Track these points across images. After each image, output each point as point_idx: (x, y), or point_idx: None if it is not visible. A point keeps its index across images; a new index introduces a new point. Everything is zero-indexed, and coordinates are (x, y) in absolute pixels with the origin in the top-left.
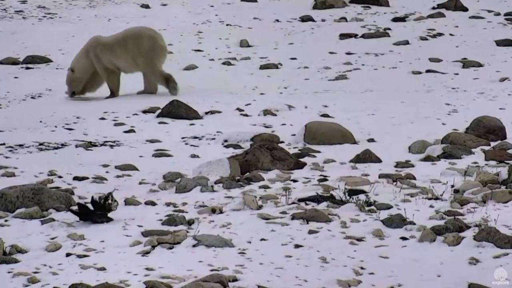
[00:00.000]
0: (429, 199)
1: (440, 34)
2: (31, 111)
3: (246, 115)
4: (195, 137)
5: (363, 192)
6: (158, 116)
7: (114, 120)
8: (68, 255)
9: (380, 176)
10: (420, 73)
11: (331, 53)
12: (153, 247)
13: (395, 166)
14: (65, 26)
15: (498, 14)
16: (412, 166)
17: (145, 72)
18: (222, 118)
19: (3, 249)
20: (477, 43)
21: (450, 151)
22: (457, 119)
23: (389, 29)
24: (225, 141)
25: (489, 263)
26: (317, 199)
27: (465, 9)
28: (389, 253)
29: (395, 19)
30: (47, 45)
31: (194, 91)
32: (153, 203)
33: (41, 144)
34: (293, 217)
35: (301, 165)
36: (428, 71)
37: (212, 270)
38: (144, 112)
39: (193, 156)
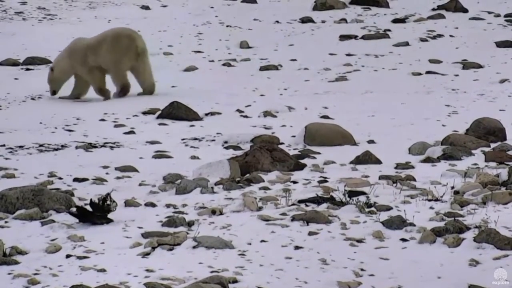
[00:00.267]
0: (429, 200)
1: (440, 36)
2: (31, 113)
3: (246, 116)
4: (195, 139)
5: (363, 193)
6: (158, 118)
7: (114, 122)
8: (68, 256)
9: (380, 177)
10: (420, 74)
11: (331, 54)
12: (153, 248)
13: (395, 168)
14: (65, 27)
15: (498, 15)
16: (412, 167)
17: (108, 70)
18: (222, 119)
19: (3, 251)
20: (477, 44)
21: (450, 153)
22: (457, 121)
23: (389, 30)
24: (225, 142)
25: (489, 265)
26: (317, 200)
27: (465, 11)
28: (389, 255)
29: (395, 21)
30: (47, 46)
31: (194, 93)
32: (153, 205)
33: (41, 145)
34: (293, 219)
35: (301, 167)
36: (428, 72)
37: (212, 272)
38: (144, 113)
39: (193, 157)
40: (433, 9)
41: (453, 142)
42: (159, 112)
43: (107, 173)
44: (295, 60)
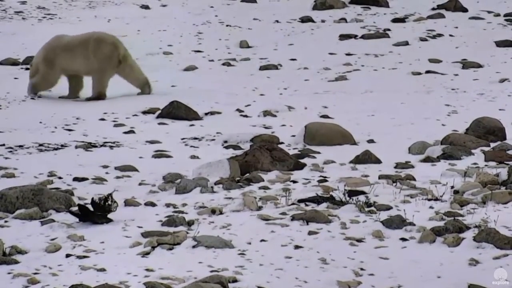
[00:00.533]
0: (429, 200)
1: (439, 35)
2: (31, 112)
3: (246, 116)
4: (195, 138)
5: (363, 193)
6: (158, 117)
7: (114, 121)
8: (68, 256)
9: (380, 177)
10: (420, 74)
11: (331, 54)
12: (153, 248)
13: (395, 167)
14: (65, 26)
15: (498, 15)
16: (412, 167)
17: (92, 75)
18: (222, 119)
19: (3, 250)
20: (477, 44)
21: (450, 152)
22: (457, 120)
23: (389, 30)
24: (225, 142)
25: (489, 264)
26: (317, 200)
27: (464, 10)
28: (389, 254)
29: (395, 20)
30: None
31: (194, 92)
32: (153, 204)
33: (41, 145)
34: (293, 218)
35: (301, 166)
36: (428, 72)
37: (212, 271)
38: (144, 113)
39: (193, 157)
40: (433, 9)
41: (453, 141)
42: (159, 112)
43: (107, 173)
44: (295, 59)
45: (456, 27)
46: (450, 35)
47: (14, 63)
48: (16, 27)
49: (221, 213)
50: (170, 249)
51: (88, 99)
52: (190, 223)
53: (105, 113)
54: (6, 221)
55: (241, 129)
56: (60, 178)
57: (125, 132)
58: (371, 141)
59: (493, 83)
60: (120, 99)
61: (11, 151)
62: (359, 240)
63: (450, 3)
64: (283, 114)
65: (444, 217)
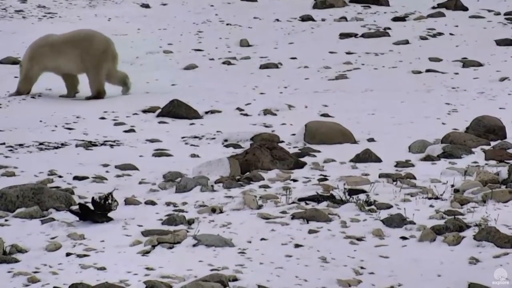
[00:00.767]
0: (429, 198)
1: (440, 34)
2: (31, 111)
3: (246, 114)
4: (195, 137)
5: (363, 191)
6: (158, 116)
7: (114, 120)
8: (68, 254)
9: (380, 175)
10: (420, 72)
11: (331, 52)
12: (153, 246)
13: (395, 166)
14: (65, 25)
15: (498, 13)
16: (412, 165)
17: (87, 74)
18: (222, 117)
19: (3, 249)
20: (477, 42)
21: (450, 151)
22: (457, 119)
23: (389, 28)
24: (225, 140)
25: (489, 263)
26: (317, 198)
27: (465, 9)
28: (389, 253)
29: (395, 19)
30: None
31: (194, 91)
32: (153, 203)
33: (41, 143)
34: (293, 217)
35: (301, 165)
36: (428, 70)
37: (212, 270)
38: (144, 111)
39: (193, 155)
40: (433, 7)
41: (453, 140)
42: (159, 110)
43: (107, 172)
44: (295, 58)
45: (457, 26)
46: (451, 34)
47: (14, 62)
48: (16, 26)
49: (221, 211)
50: (170, 247)
51: (88, 98)
52: (190, 222)
53: (105, 111)
54: (6, 220)
55: (241, 127)
56: (60, 177)
57: (125, 131)
58: (371, 139)
59: (493, 82)
60: (120, 98)
61: (11, 150)
62: (359, 239)
63: (450, 2)
64: (283, 112)
65: (444, 216)
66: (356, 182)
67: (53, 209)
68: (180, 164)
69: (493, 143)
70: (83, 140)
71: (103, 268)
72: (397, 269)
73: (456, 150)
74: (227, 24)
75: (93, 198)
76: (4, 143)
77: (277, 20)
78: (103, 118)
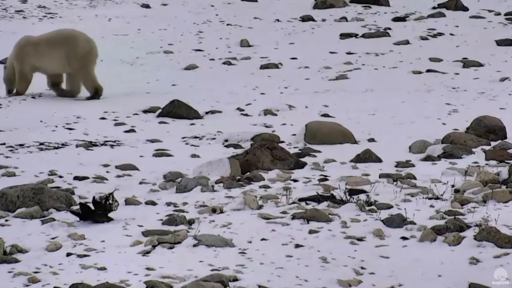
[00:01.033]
0: (430, 199)
1: (440, 34)
2: (32, 111)
3: (246, 115)
4: (196, 137)
5: (363, 192)
6: (158, 116)
7: (115, 120)
8: (68, 255)
9: (381, 176)
10: (420, 72)
11: (332, 52)
12: (154, 247)
13: (396, 166)
14: (65, 26)
15: (498, 14)
16: (413, 166)
17: (77, 75)
18: (223, 118)
19: (4, 249)
20: (478, 43)
21: (451, 151)
22: (457, 119)
23: (390, 28)
24: (226, 140)
25: (490, 263)
26: (317, 199)
27: (465, 9)
28: (390, 253)
29: (396, 19)
30: None
31: (195, 91)
32: (153, 203)
33: (41, 144)
34: (294, 217)
35: (302, 165)
36: (428, 70)
37: (212, 270)
38: (145, 112)
39: (194, 156)
40: (434, 8)
41: (454, 140)
42: (159, 111)
43: (107, 172)
44: (295, 58)
45: (457, 26)
46: (451, 34)
47: None
48: (16, 26)
49: (221, 212)
50: (171, 248)
51: (89, 98)
52: (190, 222)
53: (105, 112)
54: (6, 220)
55: (242, 128)
56: (60, 177)
57: (125, 131)
58: (371, 140)
59: (493, 82)
60: (121, 98)
61: (11, 150)
62: (360, 239)
63: (450, 2)
64: (283, 113)
65: (444, 216)
66: (357, 182)
67: (53, 209)
68: (181, 164)
69: (493, 143)
70: (83, 140)
71: (103, 268)
72: (397, 269)
73: (456, 150)
74: (228, 25)
75: (93, 198)
76: (4, 143)
77: (278, 20)
78: (103, 118)
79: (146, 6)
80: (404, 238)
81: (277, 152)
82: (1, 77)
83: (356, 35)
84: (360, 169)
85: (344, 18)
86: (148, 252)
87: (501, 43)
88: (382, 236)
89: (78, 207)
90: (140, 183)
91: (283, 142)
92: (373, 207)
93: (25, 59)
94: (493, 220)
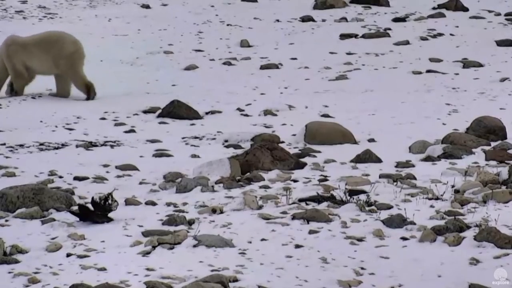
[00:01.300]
0: (430, 199)
1: (440, 34)
2: (32, 111)
3: (246, 115)
4: (196, 137)
5: (363, 192)
6: (158, 116)
7: (115, 120)
8: (68, 255)
9: (381, 176)
10: (420, 73)
11: (332, 53)
12: (154, 247)
13: (396, 166)
14: (65, 26)
15: (498, 14)
16: (413, 166)
17: (66, 76)
18: (223, 118)
19: (4, 249)
20: (478, 43)
21: (451, 151)
22: (457, 119)
23: (390, 29)
24: (226, 141)
25: (490, 263)
26: (317, 199)
27: (465, 9)
28: (390, 253)
29: (396, 19)
30: None
31: (195, 91)
32: (153, 203)
33: (41, 144)
34: (294, 217)
35: (302, 165)
36: (428, 71)
37: (212, 270)
38: (145, 112)
39: (194, 156)
40: (434, 8)
41: (454, 140)
42: (159, 111)
43: (107, 172)
44: (295, 58)
45: (457, 27)
46: (451, 34)
47: None
48: (16, 26)
49: (221, 212)
50: (171, 248)
51: (87, 99)
52: (190, 222)
53: (105, 112)
54: (6, 220)
55: (242, 128)
56: (60, 177)
57: (125, 131)
58: (371, 140)
59: (493, 82)
60: (121, 98)
61: (11, 150)
62: (360, 239)
63: (450, 3)
64: (283, 113)
65: (444, 216)
66: (357, 183)
67: (53, 209)
68: (181, 165)
69: (493, 144)
70: (83, 141)
71: (103, 269)
72: (397, 269)
73: (456, 151)
74: (228, 25)
75: (93, 198)
76: (4, 144)
77: (278, 20)
78: (103, 118)
79: (146, 6)
80: (404, 238)
81: (277, 152)
82: None
83: (356, 36)
84: (360, 169)
85: (344, 19)
86: (148, 253)
87: (501, 43)
88: (382, 236)
89: (77, 207)
90: (140, 183)
91: (283, 142)
92: (373, 207)
93: (14, 57)
94: (493, 220)
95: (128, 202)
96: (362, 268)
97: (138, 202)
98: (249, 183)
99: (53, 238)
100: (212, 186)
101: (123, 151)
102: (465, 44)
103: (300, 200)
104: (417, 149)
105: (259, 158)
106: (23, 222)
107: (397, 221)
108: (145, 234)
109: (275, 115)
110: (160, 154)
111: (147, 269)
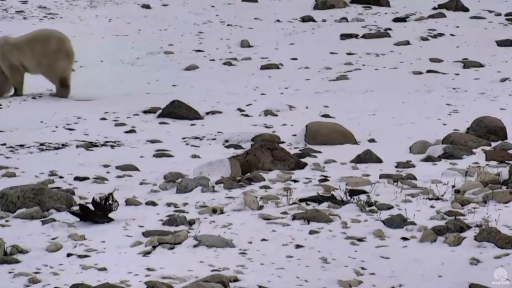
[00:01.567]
0: (430, 199)
1: (440, 35)
2: (32, 111)
3: (247, 115)
4: (196, 137)
5: (364, 192)
6: (159, 117)
7: (115, 121)
8: (69, 255)
9: (381, 176)
10: (421, 73)
11: (332, 53)
12: (154, 247)
13: (396, 167)
14: (66, 26)
15: (499, 14)
16: (413, 166)
17: (45, 74)
18: (223, 118)
19: (4, 249)
20: (478, 43)
21: (451, 152)
22: (458, 120)
23: (390, 29)
24: (226, 141)
25: (490, 263)
26: (318, 199)
27: (465, 10)
28: (390, 254)
29: (396, 19)
30: None
31: (195, 92)
32: (154, 203)
33: (42, 144)
34: (294, 217)
35: (302, 166)
36: (429, 71)
37: (213, 271)
38: (145, 112)
39: (194, 156)
40: (434, 8)
41: (454, 141)
42: (160, 111)
43: (107, 172)
44: (295, 59)
45: (457, 27)
46: (451, 35)
47: None
48: (17, 26)
49: (222, 212)
50: (171, 248)
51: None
52: (191, 223)
53: (106, 112)
54: (7, 221)
55: (242, 128)
56: (61, 177)
57: (126, 132)
58: (372, 140)
59: (494, 83)
60: (121, 99)
61: (12, 151)
62: (360, 240)
63: (451, 3)
64: (284, 113)
65: (445, 217)
66: (357, 183)
67: (53, 209)
68: (181, 165)
69: (494, 144)
70: (83, 141)
71: (104, 269)
72: (398, 269)
73: (456, 151)
74: (228, 25)
75: (93, 198)
76: (4, 144)
77: (278, 20)
78: (104, 118)
79: (147, 6)
80: (404, 238)
81: (278, 152)
82: None
83: (356, 36)
84: (360, 169)
85: (344, 19)
86: (148, 253)
87: (501, 43)
88: (382, 236)
89: (78, 207)
90: (141, 183)
91: (283, 142)
92: (373, 207)
93: (9, 56)
94: (493, 220)
95: (129, 202)
96: (363, 268)
97: (139, 202)
98: (250, 183)
99: (53, 238)
100: (213, 187)
101: (124, 151)
102: (466, 44)
103: (301, 200)
104: (418, 149)
105: (259, 158)
106: (24, 222)
107: (398, 221)
108: (146, 234)
109: (276, 115)
110: (161, 154)
111: (148, 269)
